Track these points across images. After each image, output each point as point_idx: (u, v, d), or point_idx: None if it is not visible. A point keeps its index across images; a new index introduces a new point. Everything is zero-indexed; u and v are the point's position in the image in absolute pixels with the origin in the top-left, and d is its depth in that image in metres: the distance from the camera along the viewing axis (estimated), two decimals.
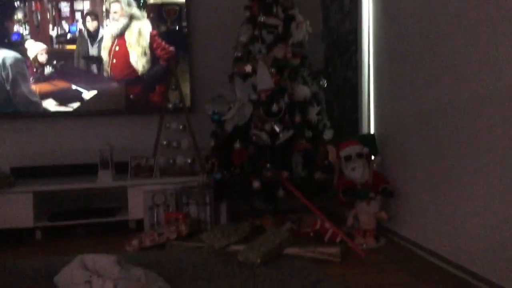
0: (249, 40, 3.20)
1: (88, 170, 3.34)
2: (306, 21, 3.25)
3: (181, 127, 3.42)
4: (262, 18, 3.15)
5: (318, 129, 3.14)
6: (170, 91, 3.47)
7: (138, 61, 3.55)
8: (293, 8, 3.25)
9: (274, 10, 3.20)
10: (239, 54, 3.25)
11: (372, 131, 3.10)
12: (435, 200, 2.44)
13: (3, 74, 3.36)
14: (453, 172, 2.30)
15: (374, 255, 2.58)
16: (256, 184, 2.92)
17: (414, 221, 2.66)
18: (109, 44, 3.51)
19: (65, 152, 3.50)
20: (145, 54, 3.55)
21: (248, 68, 3.13)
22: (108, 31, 3.50)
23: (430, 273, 2.31)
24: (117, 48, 3.52)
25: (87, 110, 3.49)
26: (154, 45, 3.56)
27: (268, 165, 2.98)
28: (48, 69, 3.43)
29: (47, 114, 3.45)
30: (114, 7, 3.50)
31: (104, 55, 3.50)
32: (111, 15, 3.50)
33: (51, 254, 2.75)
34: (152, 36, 3.55)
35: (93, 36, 3.49)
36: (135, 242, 2.75)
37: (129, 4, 3.51)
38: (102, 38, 3.48)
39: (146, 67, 3.55)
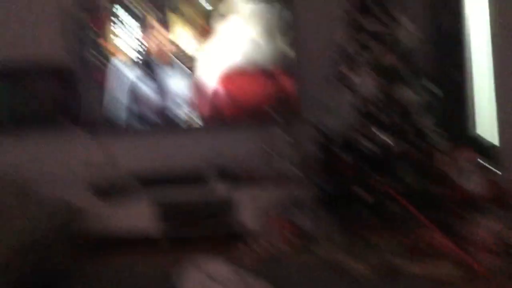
0: (352, 47, 3.15)
1: (201, 180, 3.50)
2: (412, 24, 3.13)
3: (287, 138, 3.46)
4: (365, 24, 3.08)
5: (430, 137, 3.01)
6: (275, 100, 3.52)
7: None
8: (398, 13, 3.15)
9: (378, 15, 3.12)
10: (343, 62, 3.21)
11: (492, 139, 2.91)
12: None
13: None
14: None
15: (495, 274, 2.41)
16: (366, 197, 2.86)
17: None
18: None
19: (179, 164, 3.68)
20: None
21: (352, 75, 3.09)
22: None
23: None
24: None
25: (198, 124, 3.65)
26: None
27: (377, 175, 2.91)
28: None
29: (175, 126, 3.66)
30: None
31: None
32: None
33: (173, 262, 2.91)
34: None
35: None
36: (249, 251, 2.82)
37: None
38: None
39: None
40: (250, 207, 3.19)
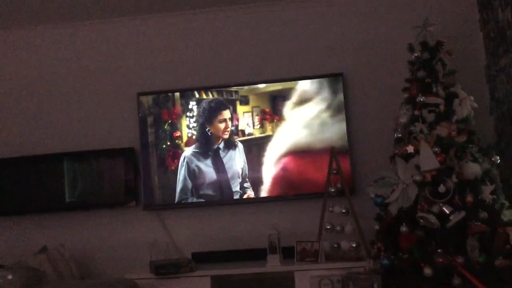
0: (409, 121, 3.18)
1: (257, 254, 3.49)
2: (470, 96, 3.14)
3: (344, 210, 3.44)
4: (421, 98, 3.13)
5: (494, 210, 2.88)
6: (331, 175, 3.55)
7: None
8: (455, 85, 3.18)
9: (434, 89, 3.16)
10: (400, 135, 3.23)
11: None
12: None
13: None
14: None
15: None
16: (427, 270, 2.74)
17: None
18: None
19: (236, 237, 3.74)
20: None
21: (410, 148, 3.08)
22: None
23: None
24: None
25: (256, 197, 3.74)
26: None
27: (439, 250, 2.80)
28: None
29: (222, 202, 3.78)
30: None
31: None
32: None
33: None
34: None
35: None
36: None
37: None
38: None
39: None
40: (307, 283, 3.13)
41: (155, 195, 3.83)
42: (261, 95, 3.88)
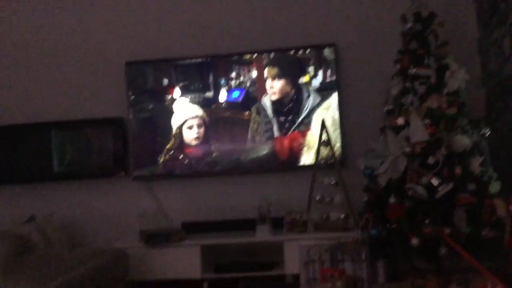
0: (400, 93, 3.17)
1: (247, 225, 3.50)
2: (461, 68, 3.12)
3: (333, 182, 3.44)
4: (413, 70, 3.11)
5: (482, 182, 2.91)
6: (321, 147, 3.54)
7: None
8: (447, 57, 3.16)
9: (426, 61, 3.14)
10: (391, 107, 3.22)
11: None
12: None
13: None
14: None
15: None
16: (414, 241, 2.78)
17: None
18: None
19: (226, 208, 3.74)
20: None
21: (401, 120, 3.09)
22: None
23: None
24: None
25: (247, 169, 3.73)
26: None
27: (427, 220, 2.83)
28: None
29: (212, 173, 3.76)
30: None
31: None
32: None
33: None
34: None
35: None
36: None
37: None
38: None
39: None
40: (296, 252, 3.16)
41: (144, 165, 3.79)
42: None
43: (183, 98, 3.80)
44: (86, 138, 3.86)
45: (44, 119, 3.88)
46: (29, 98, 3.95)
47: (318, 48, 3.71)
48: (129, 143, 3.82)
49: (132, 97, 3.81)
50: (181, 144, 3.78)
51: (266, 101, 3.74)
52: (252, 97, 3.75)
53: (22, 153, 3.84)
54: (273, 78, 3.74)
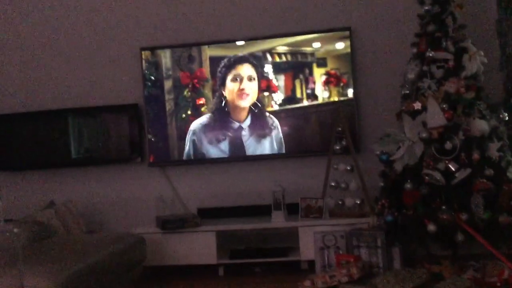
0: (417, 77, 3.12)
1: (262, 211, 3.53)
2: (479, 51, 3.06)
3: (349, 168, 3.43)
4: (430, 53, 3.05)
5: (500, 167, 2.86)
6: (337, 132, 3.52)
7: None
8: (465, 40, 3.09)
9: (444, 44, 3.07)
10: (407, 91, 3.17)
11: None
12: None
13: None
14: None
15: None
16: (431, 227, 2.75)
17: None
18: None
19: (241, 194, 3.75)
20: None
21: (417, 105, 3.04)
22: None
23: None
24: None
25: (262, 154, 3.70)
26: None
27: (444, 206, 2.80)
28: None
29: (225, 159, 3.75)
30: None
31: None
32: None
33: None
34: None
35: None
36: (307, 283, 2.80)
37: None
38: None
39: None
40: (311, 239, 3.16)
41: (160, 152, 3.80)
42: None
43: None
44: (103, 125, 3.90)
45: (62, 106, 3.92)
46: (46, 85, 3.99)
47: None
48: (145, 129, 3.84)
49: (147, 83, 3.81)
50: None
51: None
52: None
53: (41, 140, 3.90)
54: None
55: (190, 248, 3.35)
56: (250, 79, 3.57)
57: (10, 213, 3.46)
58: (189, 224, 3.39)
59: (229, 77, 3.61)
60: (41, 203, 3.67)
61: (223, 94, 3.63)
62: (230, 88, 3.61)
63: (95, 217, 3.86)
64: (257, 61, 3.59)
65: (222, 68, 3.63)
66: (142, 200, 3.82)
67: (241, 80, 3.54)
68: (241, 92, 3.54)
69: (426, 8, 3.14)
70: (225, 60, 3.62)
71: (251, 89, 3.60)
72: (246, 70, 3.53)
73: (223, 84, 3.63)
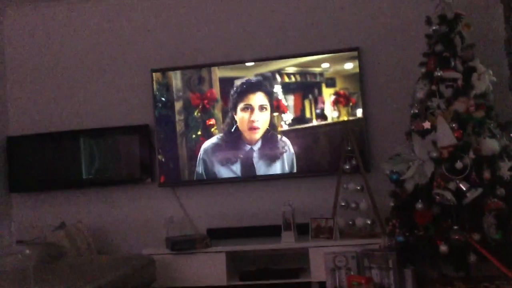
0: (426, 96, 3.12)
1: (272, 231, 3.50)
2: (488, 71, 3.06)
3: (358, 187, 3.41)
4: (439, 73, 3.06)
5: None
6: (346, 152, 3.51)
7: None
8: (473, 59, 3.10)
9: (452, 63, 3.09)
10: (416, 111, 3.18)
11: None
12: None
13: None
14: None
15: None
16: (443, 247, 2.72)
17: None
18: None
19: (251, 214, 3.75)
20: None
21: (427, 124, 3.04)
22: None
23: None
24: None
25: (271, 174, 3.71)
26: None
27: (455, 226, 2.77)
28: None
29: (235, 180, 3.75)
30: None
31: None
32: None
33: None
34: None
35: None
36: None
37: None
38: None
39: None
40: (322, 260, 3.14)
41: (171, 172, 3.82)
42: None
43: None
44: (114, 145, 3.93)
45: (73, 127, 3.97)
46: (57, 107, 4.04)
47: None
48: (156, 150, 3.86)
49: (158, 104, 3.85)
50: None
51: None
52: None
53: (52, 161, 3.93)
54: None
55: (200, 269, 3.34)
56: (261, 109, 3.65)
57: (21, 234, 3.48)
58: (199, 245, 3.39)
59: (240, 106, 3.68)
60: (52, 224, 3.69)
61: (234, 118, 3.68)
62: (240, 117, 3.68)
63: (106, 237, 3.87)
64: (268, 83, 3.63)
65: (234, 94, 3.69)
66: (152, 221, 3.83)
67: (252, 111, 3.63)
68: (251, 125, 3.63)
69: (434, 28, 3.16)
70: (238, 85, 3.68)
71: (262, 121, 3.66)
72: (257, 99, 3.62)
73: (234, 109, 3.70)
